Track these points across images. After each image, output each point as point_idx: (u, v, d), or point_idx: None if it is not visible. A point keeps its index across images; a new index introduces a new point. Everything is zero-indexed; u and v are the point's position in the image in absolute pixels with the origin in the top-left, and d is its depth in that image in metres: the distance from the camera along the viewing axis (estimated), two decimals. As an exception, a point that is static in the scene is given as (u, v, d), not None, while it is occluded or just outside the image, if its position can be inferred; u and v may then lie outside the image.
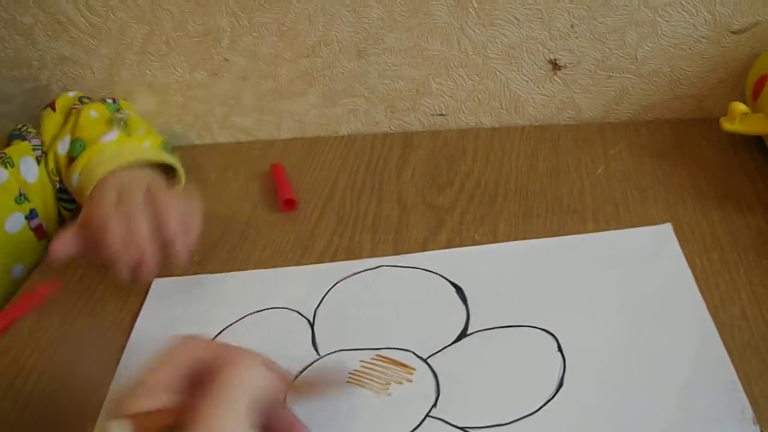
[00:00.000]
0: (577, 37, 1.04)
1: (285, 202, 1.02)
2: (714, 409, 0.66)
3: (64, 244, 0.87)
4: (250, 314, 0.86)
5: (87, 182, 0.97)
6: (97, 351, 0.85)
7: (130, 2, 1.10)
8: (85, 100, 1.08)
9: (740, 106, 0.93)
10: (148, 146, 1.03)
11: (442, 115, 1.13)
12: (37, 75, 1.18)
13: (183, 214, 0.88)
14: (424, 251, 0.90)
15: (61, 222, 1.07)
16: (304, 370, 0.77)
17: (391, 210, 0.98)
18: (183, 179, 1.04)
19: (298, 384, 0.71)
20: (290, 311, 0.85)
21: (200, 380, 0.56)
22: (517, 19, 1.04)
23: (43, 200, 1.04)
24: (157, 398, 0.56)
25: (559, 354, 0.74)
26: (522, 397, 0.71)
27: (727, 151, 0.99)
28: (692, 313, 0.76)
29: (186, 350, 0.59)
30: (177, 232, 0.86)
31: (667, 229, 0.87)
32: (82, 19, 1.12)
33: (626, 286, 0.80)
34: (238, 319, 0.85)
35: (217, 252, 0.94)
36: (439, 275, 0.86)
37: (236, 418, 0.54)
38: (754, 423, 0.64)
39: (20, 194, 1.01)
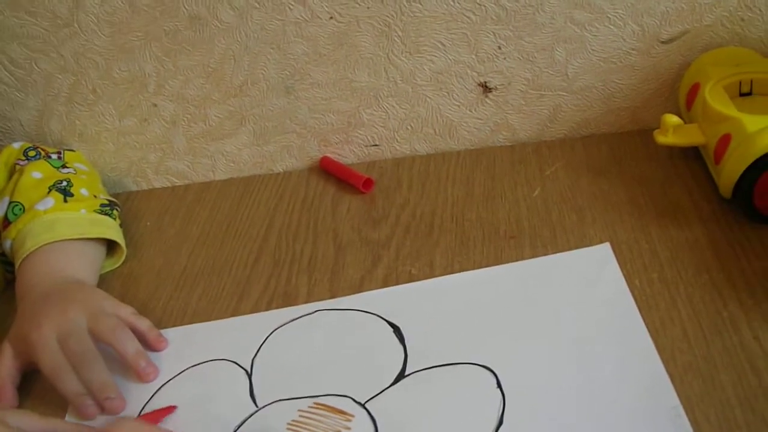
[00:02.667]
0: (505, 58, 1.03)
1: (364, 184, 1.05)
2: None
3: (7, 373, 0.85)
4: (189, 368, 0.84)
5: (18, 250, 0.96)
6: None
7: (53, 53, 1.08)
8: (30, 153, 1.06)
9: (672, 118, 0.92)
10: (84, 213, 1.00)
11: (376, 145, 1.12)
12: (-35, 130, 1.16)
13: (135, 328, 0.86)
14: (360, 290, 0.89)
15: (7, 285, 1.05)
16: (242, 424, 0.76)
17: (326, 249, 0.97)
18: (124, 249, 1.02)
19: None
20: (228, 362, 0.84)
21: None
22: (443, 45, 1.03)
23: None
24: None
25: (499, 390, 0.73)
26: (463, 437, 0.69)
27: (664, 163, 0.99)
28: (634, 339, 0.75)
29: None
30: (134, 356, 0.84)
31: (605, 249, 0.86)
32: (6, 73, 1.10)
33: (566, 314, 0.79)
34: (176, 374, 0.84)
35: (153, 305, 0.93)
36: (377, 315, 0.85)
37: None
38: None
39: None
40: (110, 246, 1.03)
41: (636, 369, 0.72)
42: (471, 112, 1.08)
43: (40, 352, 0.82)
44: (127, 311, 0.88)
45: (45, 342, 0.82)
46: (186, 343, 0.87)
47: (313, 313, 0.87)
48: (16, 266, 0.96)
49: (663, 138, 0.93)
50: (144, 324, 0.87)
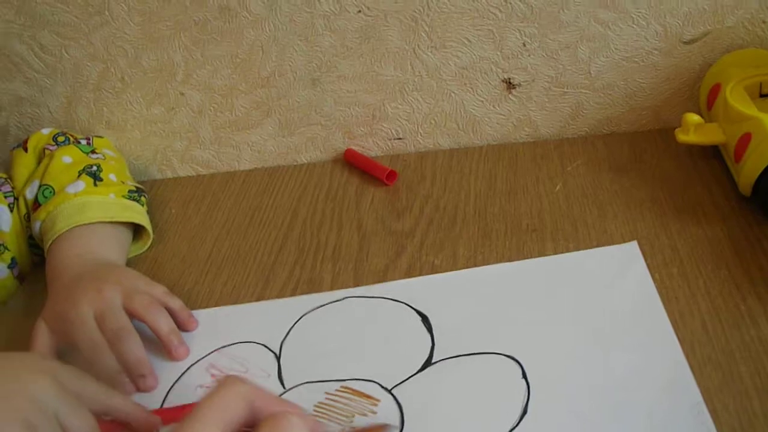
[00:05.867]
0: (529, 55, 1.05)
1: (388, 176, 1.07)
2: (679, 433, 0.66)
3: (44, 350, 0.86)
4: (218, 349, 0.86)
5: (48, 232, 0.97)
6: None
7: (83, 41, 1.10)
8: (60, 138, 1.07)
9: (694, 117, 0.93)
10: (113, 198, 1.02)
11: (400, 138, 1.13)
12: (-5, 116, 1.17)
13: (167, 308, 0.88)
14: (384, 278, 0.90)
15: (32, 267, 1.07)
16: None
17: (350, 238, 0.98)
18: (150, 234, 1.04)
19: None
20: (257, 345, 0.85)
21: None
22: (469, 41, 1.04)
23: (18, 246, 1.04)
24: None
25: (524, 381, 0.74)
26: (486, 426, 0.70)
27: (685, 162, 1.00)
28: (659, 335, 0.75)
29: (232, 392, 0.56)
30: (168, 333, 0.86)
31: (632, 247, 0.87)
32: (36, 60, 1.12)
33: (591, 310, 0.80)
34: (206, 354, 0.85)
35: (179, 289, 0.94)
36: (405, 304, 0.86)
37: None
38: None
39: None
40: (136, 231, 1.05)
41: (659, 366, 0.72)
42: (494, 107, 1.09)
43: (78, 330, 0.83)
44: (159, 290, 0.89)
45: (82, 320, 0.84)
46: (215, 324, 0.89)
47: (341, 299, 0.89)
48: (45, 248, 0.97)
49: (684, 136, 0.94)
50: (176, 303, 0.89)
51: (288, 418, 0.54)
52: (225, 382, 0.57)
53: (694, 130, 0.94)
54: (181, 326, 0.87)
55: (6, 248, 1.02)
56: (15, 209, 1.03)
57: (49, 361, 0.70)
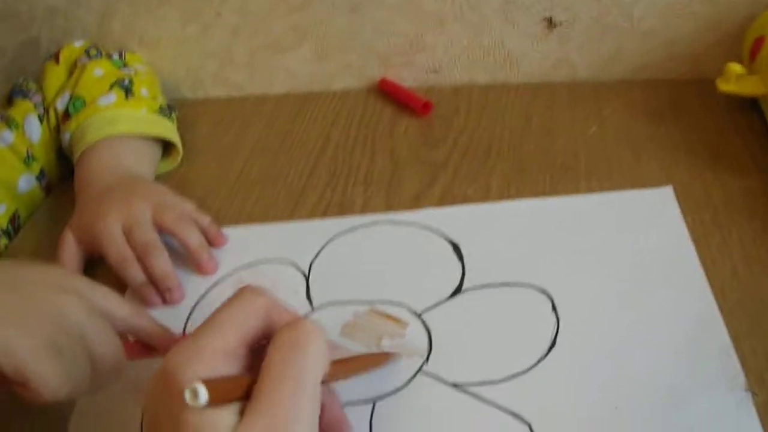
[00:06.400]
0: (573, -6, 1.04)
1: (423, 107, 1.06)
2: (707, 374, 0.66)
3: (71, 261, 0.87)
4: (244, 266, 0.86)
5: (78, 143, 0.97)
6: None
7: (123, -47, 1.09)
8: (92, 51, 1.07)
9: (736, 67, 0.92)
10: (144, 113, 1.01)
11: (436, 71, 1.12)
12: (28, 27, 1.16)
13: (196, 223, 0.88)
14: (416, 206, 0.90)
15: (60, 179, 1.07)
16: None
17: (383, 165, 0.98)
18: (180, 150, 1.04)
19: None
20: (286, 264, 0.85)
21: (271, 342, 0.53)
22: (513, -25, 1.03)
23: (47, 158, 1.04)
24: (222, 344, 0.53)
25: (554, 314, 0.74)
26: (514, 356, 0.70)
27: (722, 113, 0.99)
28: (690, 279, 0.75)
29: (251, 302, 0.56)
30: (198, 247, 0.86)
31: (667, 192, 0.86)
32: (72, -30, 1.11)
33: (624, 250, 0.79)
34: (234, 269, 0.86)
35: (207, 207, 0.93)
36: (437, 232, 0.85)
37: (311, 408, 0.51)
38: (745, 390, 0.64)
39: (28, 155, 1.01)
40: (165, 148, 1.05)
41: (691, 307, 0.72)
42: (534, 45, 1.08)
43: (107, 242, 0.84)
44: (189, 206, 0.89)
45: (111, 232, 0.84)
46: (244, 242, 0.89)
47: (373, 224, 0.88)
48: (75, 159, 0.97)
49: (725, 86, 0.93)
50: (205, 220, 0.89)
51: (306, 326, 0.54)
52: (243, 292, 0.56)
53: (735, 80, 0.93)
54: (210, 242, 0.87)
55: (35, 159, 1.02)
56: (45, 120, 1.03)
57: (77, 279, 0.69)
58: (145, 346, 0.71)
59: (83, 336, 0.63)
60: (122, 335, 0.68)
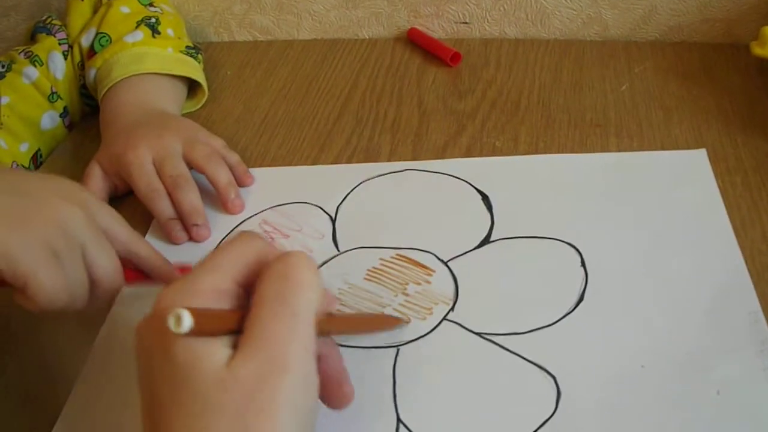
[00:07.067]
0: (608, -51, 1.03)
1: (452, 58, 1.05)
2: (734, 338, 0.65)
3: (97, 192, 0.87)
4: (271, 207, 0.86)
5: (104, 80, 0.96)
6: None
7: None
8: None
9: (772, 31, 0.91)
10: (170, 52, 1.01)
11: (466, 23, 1.11)
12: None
13: (224, 160, 0.87)
14: (443, 155, 0.90)
15: (83, 117, 1.06)
16: (323, 264, 0.78)
17: (410, 113, 0.97)
18: (206, 91, 1.03)
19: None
20: (313, 206, 0.85)
21: (260, 276, 0.52)
22: (549, -73, 1.02)
23: (71, 95, 1.03)
24: (216, 281, 0.52)
25: (582, 269, 0.73)
26: (541, 308, 0.70)
27: (754, 78, 0.98)
28: (721, 241, 0.74)
29: (246, 244, 0.55)
30: (227, 185, 0.85)
31: (701, 154, 0.85)
32: None
33: (655, 210, 0.79)
34: (259, 211, 0.85)
35: (232, 148, 0.92)
36: (466, 182, 0.85)
37: (307, 339, 0.50)
38: (773, 355, 0.64)
39: (52, 92, 1.00)
40: (190, 89, 1.04)
41: (721, 270, 0.72)
42: (566, 1, 1.07)
43: (137, 173, 0.83)
44: (219, 143, 0.89)
45: (141, 162, 0.83)
46: (271, 183, 0.89)
47: (401, 171, 0.88)
48: (100, 96, 0.96)
49: (759, 50, 0.92)
50: (233, 158, 0.88)
51: (295, 257, 0.53)
52: (240, 235, 0.56)
53: (770, 44, 0.92)
54: (238, 181, 0.87)
55: (59, 97, 1.01)
56: (69, 57, 1.02)
57: (85, 193, 0.69)
58: (142, 274, 0.71)
59: (84, 247, 0.64)
60: (122, 259, 0.68)
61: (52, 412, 0.68)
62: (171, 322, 0.46)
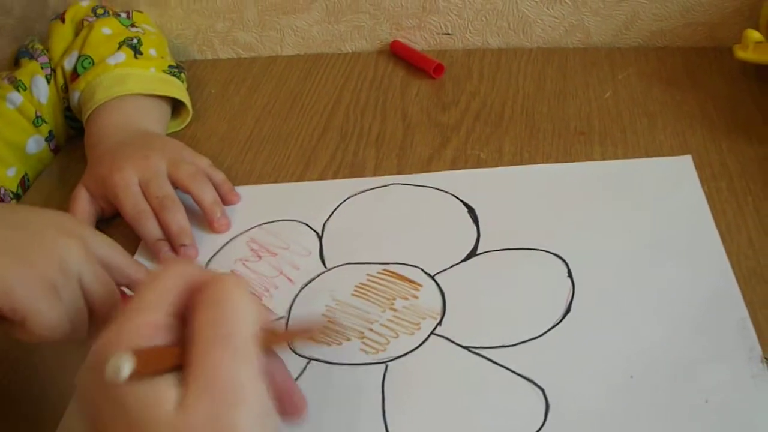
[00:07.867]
0: (588, -43, 1.03)
1: (435, 69, 1.05)
2: (722, 346, 0.65)
3: (84, 216, 0.86)
4: (257, 225, 0.85)
5: (87, 102, 0.96)
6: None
7: None
8: (99, 11, 1.06)
9: (755, 34, 0.91)
10: (153, 72, 1.00)
11: (448, 34, 1.11)
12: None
13: (209, 180, 0.87)
14: (428, 168, 0.90)
15: (68, 139, 1.06)
16: (310, 282, 0.78)
17: (395, 127, 0.97)
18: (190, 110, 1.03)
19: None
20: (299, 223, 0.85)
21: (192, 306, 0.50)
22: (529, -63, 1.02)
23: (55, 118, 1.03)
24: (150, 318, 0.50)
25: (569, 279, 0.73)
26: (528, 321, 0.70)
27: (738, 81, 0.98)
28: (708, 249, 0.74)
29: (174, 274, 0.53)
30: (212, 204, 0.85)
31: (686, 161, 0.85)
32: (79, -75, 1.09)
33: (641, 218, 0.79)
34: (247, 229, 0.85)
35: (218, 167, 0.91)
36: (452, 194, 0.85)
37: (250, 363, 0.48)
38: (761, 362, 0.64)
39: (37, 116, 1.00)
40: (174, 108, 1.04)
41: (708, 277, 0.72)
42: (548, 9, 1.07)
43: (123, 194, 0.83)
44: (204, 162, 0.89)
45: (127, 184, 0.83)
46: (257, 200, 0.89)
47: (387, 185, 0.88)
48: (84, 118, 0.96)
49: (742, 53, 0.92)
50: (219, 176, 0.88)
51: (225, 279, 0.51)
52: (165, 267, 0.54)
53: (753, 47, 0.92)
54: (223, 199, 0.87)
55: (44, 121, 1.01)
56: (52, 80, 1.02)
57: (81, 226, 0.69)
58: None
59: (82, 280, 0.63)
60: (120, 288, 0.68)
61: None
62: (110, 372, 0.44)
